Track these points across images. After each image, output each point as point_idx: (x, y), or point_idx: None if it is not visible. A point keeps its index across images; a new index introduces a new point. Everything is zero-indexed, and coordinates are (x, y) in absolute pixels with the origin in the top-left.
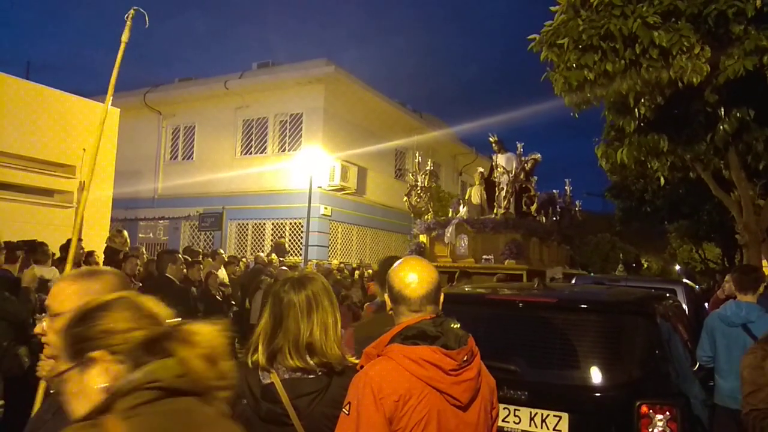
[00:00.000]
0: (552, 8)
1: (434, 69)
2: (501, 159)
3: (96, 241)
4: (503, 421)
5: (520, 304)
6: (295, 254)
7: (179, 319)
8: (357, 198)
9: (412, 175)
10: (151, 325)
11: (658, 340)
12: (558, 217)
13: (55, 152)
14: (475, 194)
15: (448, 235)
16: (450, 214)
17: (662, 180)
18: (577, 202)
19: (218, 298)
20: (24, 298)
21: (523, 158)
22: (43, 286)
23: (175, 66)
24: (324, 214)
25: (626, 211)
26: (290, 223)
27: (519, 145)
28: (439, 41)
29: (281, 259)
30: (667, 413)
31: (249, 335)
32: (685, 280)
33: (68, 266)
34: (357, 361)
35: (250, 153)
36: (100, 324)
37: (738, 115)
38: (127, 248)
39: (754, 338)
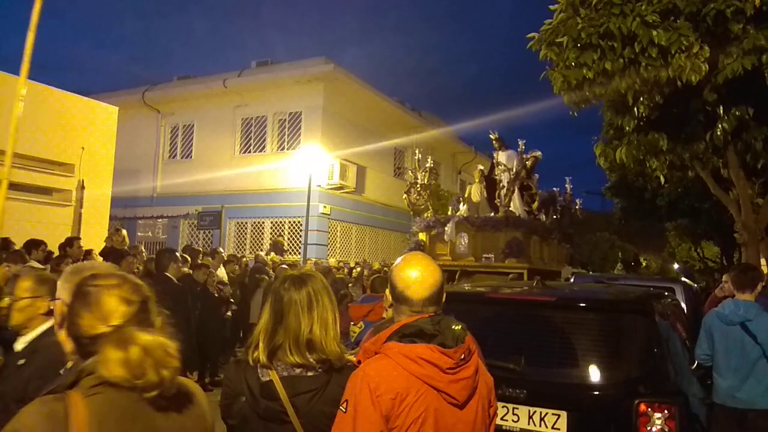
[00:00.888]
0: (551, 7)
1: (433, 68)
2: (502, 156)
3: (95, 239)
4: (502, 419)
5: (519, 303)
6: (294, 253)
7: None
8: (356, 197)
9: (412, 173)
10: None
11: (657, 338)
12: (558, 216)
13: (53, 150)
14: (475, 192)
15: (449, 233)
16: (450, 212)
17: (661, 179)
18: (577, 201)
19: (216, 296)
20: None
21: (524, 156)
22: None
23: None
24: (323, 213)
25: (625, 209)
26: (289, 222)
27: (521, 143)
28: (439, 40)
29: (280, 257)
30: (666, 411)
31: (248, 334)
32: (683, 279)
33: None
34: (355, 359)
35: (249, 151)
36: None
37: (737, 113)
38: (126, 247)
39: (752, 337)
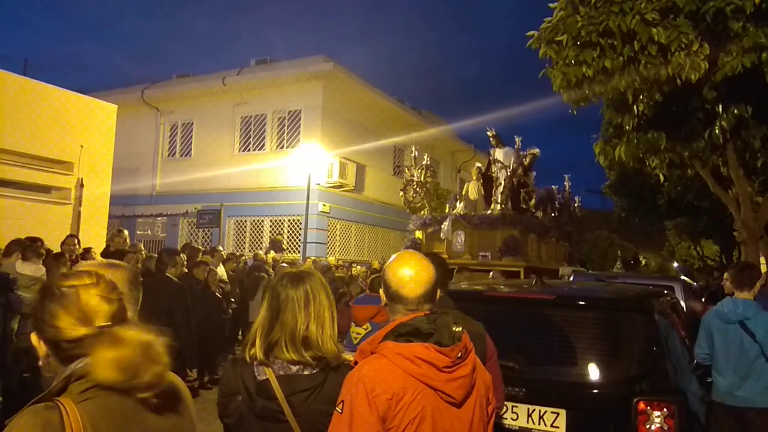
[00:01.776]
0: (551, 5)
1: (433, 66)
2: (499, 154)
3: (94, 237)
4: (501, 417)
5: (519, 301)
6: (294, 251)
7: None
8: (355, 195)
9: (408, 170)
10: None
11: (656, 336)
12: (557, 214)
13: (52, 149)
14: (473, 190)
15: (445, 230)
16: (447, 210)
17: (661, 177)
18: (576, 198)
19: (218, 295)
20: None
21: (521, 153)
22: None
23: (173, 62)
24: (322, 211)
25: (625, 208)
26: (288, 220)
27: (517, 140)
28: (438, 38)
29: (281, 255)
30: (665, 410)
31: (247, 332)
32: (683, 277)
33: None
34: (352, 358)
35: (249, 150)
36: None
37: (736, 112)
38: (128, 248)
39: (751, 335)
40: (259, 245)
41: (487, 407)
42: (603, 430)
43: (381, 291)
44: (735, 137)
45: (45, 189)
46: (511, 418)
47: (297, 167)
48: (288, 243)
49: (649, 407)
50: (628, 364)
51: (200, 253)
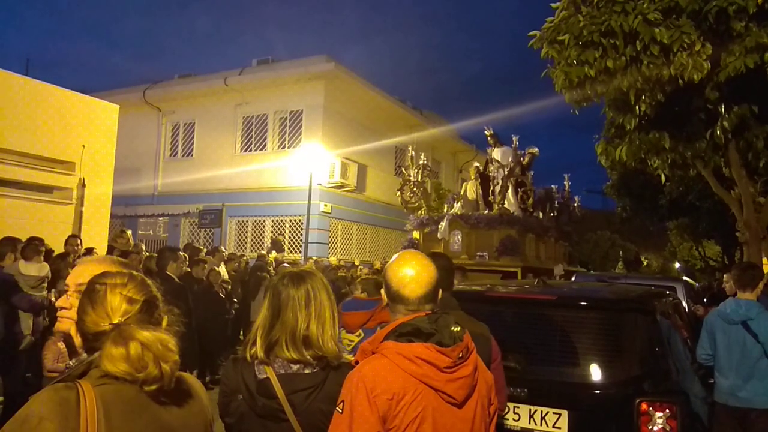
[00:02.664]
0: (553, 5)
1: (435, 66)
2: (496, 153)
3: (96, 237)
4: (503, 418)
5: (520, 302)
6: (295, 251)
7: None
8: (357, 195)
9: (405, 170)
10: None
11: (658, 337)
12: (556, 213)
13: (54, 149)
14: (471, 189)
15: (442, 230)
16: (445, 210)
17: (663, 177)
18: (576, 198)
19: (221, 295)
20: None
21: (519, 152)
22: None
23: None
24: (324, 211)
25: (627, 208)
26: (290, 220)
27: (514, 139)
28: (440, 38)
29: (282, 254)
30: (667, 410)
31: (249, 332)
32: (685, 278)
33: None
34: (353, 358)
35: (250, 150)
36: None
37: (738, 112)
38: (131, 248)
39: (753, 336)
40: (260, 245)
41: (489, 408)
42: (605, 430)
43: (382, 291)
44: (737, 137)
45: (47, 189)
46: (513, 419)
47: (298, 167)
48: (289, 243)
49: (651, 408)
50: (630, 365)
51: (202, 253)
